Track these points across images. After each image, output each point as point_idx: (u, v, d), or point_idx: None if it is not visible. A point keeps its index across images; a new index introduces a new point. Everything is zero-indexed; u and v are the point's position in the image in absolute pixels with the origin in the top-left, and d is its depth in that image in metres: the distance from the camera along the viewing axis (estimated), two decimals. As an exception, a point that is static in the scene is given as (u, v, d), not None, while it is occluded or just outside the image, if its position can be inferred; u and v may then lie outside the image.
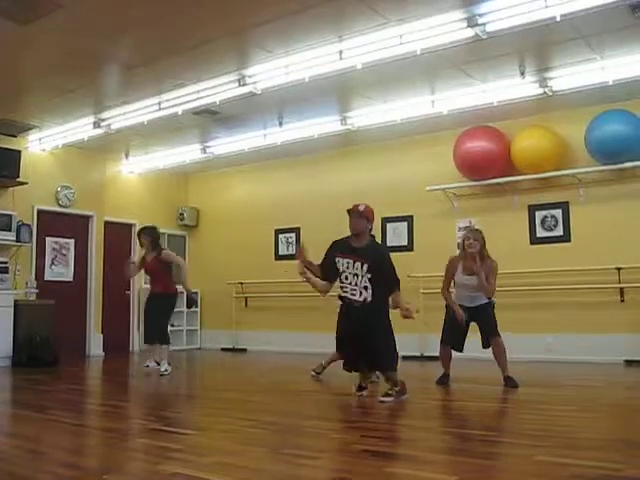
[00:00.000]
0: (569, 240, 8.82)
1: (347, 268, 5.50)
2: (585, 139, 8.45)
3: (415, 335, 9.50)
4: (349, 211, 5.64)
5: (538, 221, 9.09)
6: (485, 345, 6.56)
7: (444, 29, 6.28)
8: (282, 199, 11.48)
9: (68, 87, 7.97)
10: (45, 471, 3.28)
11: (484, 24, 6.13)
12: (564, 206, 8.89)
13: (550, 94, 7.80)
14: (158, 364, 7.71)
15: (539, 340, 8.67)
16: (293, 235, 11.38)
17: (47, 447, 4.06)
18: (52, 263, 10.58)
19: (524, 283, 8.86)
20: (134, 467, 3.47)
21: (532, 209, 9.14)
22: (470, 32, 6.24)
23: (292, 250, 11.22)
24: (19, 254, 9.85)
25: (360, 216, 5.59)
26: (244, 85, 7.62)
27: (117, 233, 11.59)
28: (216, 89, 7.88)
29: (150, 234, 7.93)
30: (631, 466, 3.19)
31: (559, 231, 8.92)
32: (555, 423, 4.47)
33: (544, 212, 9.06)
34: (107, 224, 11.31)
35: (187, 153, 11.04)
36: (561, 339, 8.55)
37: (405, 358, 9.46)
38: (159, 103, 8.43)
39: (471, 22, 6.11)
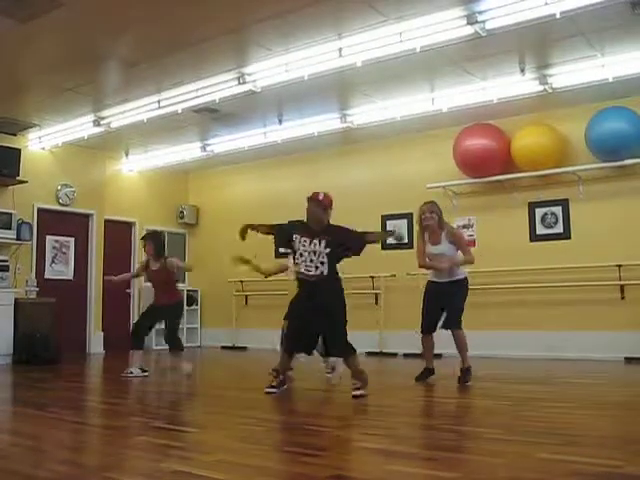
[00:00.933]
0: (569, 237, 8.82)
1: (303, 246, 5.51)
2: (585, 136, 8.46)
3: (413, 332, 9.51)
4: (308, 199, 5.62)
5: (538, 218, 9.10)
6: (444, 326, 6.48)
7: (444, 26, 6.29)
8: (282, 197, 11.46)
9: (68, 85, 7.98)
10: (45, 468, 3.28)
11: (484, 21, 6.14)
12: (564, 203, 8.89)
13: (550, 91, 7.81)
14: (143, 371, 7.29)
15: (539, 337, 8.67)
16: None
17: (47, 445, 4.05)
18: (52, 261, 10.59)
19: (524, 280, 8.87)
20: (135, 465, 3.47)
21: (532, 206, 9.14)
22: (470, 29, 6.25)
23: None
24: (19, 252, 9.86)
25: (318, 205, 5.56)
26: (244, 83, 7.63)
27: (117, 231, 11.60)
28: (216, 87, 7.89)
29: (154, 240, 7.45)
30: (631, 463, 3.19)
31: (559, 228, 8.93)
32: (555, 420, 4.47)
33: (544, 209, 9.06)
34: (107, 222, 11.32)
35: (187, 151, 11.05)
36: (561, 336, 8.55)
37: (405, 355, 9.51)
38: (159, 101, 8.44)
39: (471, 19, 6.12)
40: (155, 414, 5.14)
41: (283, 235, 5.77)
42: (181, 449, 3.67)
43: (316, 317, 5.43)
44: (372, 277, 10.15)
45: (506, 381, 6.85)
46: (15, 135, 9.91)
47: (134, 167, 11.85)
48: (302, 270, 5.51)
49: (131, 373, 7.17)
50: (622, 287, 8.27)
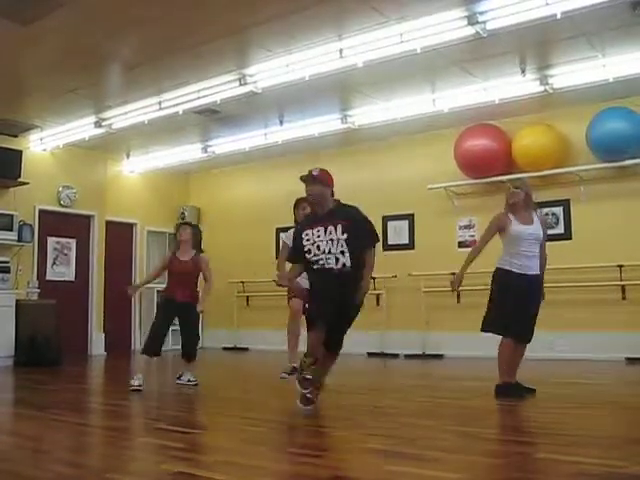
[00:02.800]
0: (570, 238, 8.81)
1: (318, 237, 4.82)
2: (586, 136, 8.45)
3: (417, 333, 9.52)
4: (302, 180, 5.05)
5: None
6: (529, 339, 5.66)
7: (444, 27, 6.29)
8: (283, 198, 11.39)
9: (69, 87, 7.99)
10: (47, 470, 3.29)
11: (484, 22, 6.14)
12: (565, 204, 8.89)
13: (551, 92, 7.80)
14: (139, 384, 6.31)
15: (541, 338, 8.65)
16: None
17: (49, 446, 4.06)
18: (54, 263, 10.60)
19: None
20: (136, 466, 3.48)
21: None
22: (471, 30, 6.25)
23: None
24: (21, 254, 9.86)
25: (314, 181, 4.96)
26: (245, 84, 7.64)
27: (118, 232, 11.61)
28: (217, 88, 7.90)
29: (194, 229, 7.07)
30: (634, 463, 3.19)
31: (560, 229, 8.92)
32: (558, 421, 4.47)
33: (545, 209, 9.05)
34: (108, 224, 11.33)
35: (188, 152, 11.05)
36: (563, 337, 8.54)
37: (407, 357, 9.51)
38: (160, 102, 8.45)
39: (471, 20, 6.12)
40: (157, 415, 5.14)
41: (297, 248, 5.02)
42: (183, 450, 3.67)
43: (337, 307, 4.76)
44: (374, 278, 10.11)
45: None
46: (16, 137, 9.91)
47: (135, 168, 11.86)
48: (323, 265, 4.82)
49: (139, 385, 6.28)
50: (623, 287, 8.26)
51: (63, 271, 10.72)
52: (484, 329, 5.66)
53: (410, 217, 10.17)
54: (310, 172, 5.06)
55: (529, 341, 5.66)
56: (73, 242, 10.89)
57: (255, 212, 11.75)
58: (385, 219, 10.20)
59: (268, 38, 6.73)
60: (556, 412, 4.80)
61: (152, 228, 12.24)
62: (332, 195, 5.07)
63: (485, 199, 9.44)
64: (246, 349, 11.52)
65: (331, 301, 4.76)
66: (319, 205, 5.00)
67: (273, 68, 7.35)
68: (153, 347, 6.48)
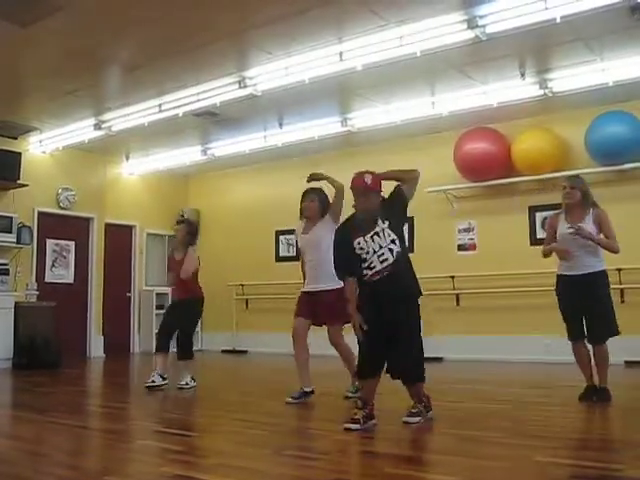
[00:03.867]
0: (569, 241, 8.81)
1: (373, 241, 4.42)
2: (585, 140, 8.46)
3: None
4: (351, 188, 4.67)
5: (538, 222, 9.09)
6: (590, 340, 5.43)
7: (444, 31, 6.30)
8: (283, 200, 11.46)
9: (68, 89, 7.99)
10: (46, 472, 3.29)
11: (484, 26, 6.15)
12: (564, 207, 8.88)
13: (550, 95, 7.82)
14: (163, 378, 6.61)
15: (538, 341, 8.67)
16: (293, 237, 11.39)
17: (48, 449, 4.06)
18: (53, 265, 10.59)
19: (524, 284, 8.86)
20: (135, 469, 3.48)
21: (532, 210, 9.14)
22: (470, 34, 6.26)
23: (292, 252, 11.23)
24: (20, 256, 9.86)
25: (366, 193, 4.57)
26: (244, 87, 7.65)
27: (118, 235, 11.61)
28: (216, 91, 7.91)
29: (189, 226, 6.97)
30: (631, 467, 3.19)
31: (559, 232, 8.92)
32: (555, 424, 4.47)
33: (544, 213, 9.04)
34: (108, 226, 11.33)
35: (188, 155, 11.06)
36: (561, 340, 8.53)
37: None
38: (160, 105, 8.45)
39: (471, 24, 6.14)
40: (156, 418, 5.14)
41: (349, 259, 4.50)
42: (182, 453, 3.67)
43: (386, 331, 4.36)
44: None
45: (506, 384, 6.85)
46: (16, 139, 9.92)
47: (135, 171, 11.86)
48: (370, 272, 4.39)
49: (153, 382, 6.54)
50: (622, 291, 8.26)
51: (62, 273, 10.72)
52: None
53: (410, 220, 10.15)
54: (358, 181, 4.62)
55: (590, 341, 5.49)
56: (72, 244, 10.89)
57: (254, 215, 11.76)
58: (384, 222, 10.19)
59: (268, 41, 6.74)
60: (553, 415, 4.81)
61: (151, 230, 12.24)
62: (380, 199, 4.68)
63: (484, 202, 9.46)
64: (245, 352, 11.51)
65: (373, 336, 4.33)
66: (369, 215, 4.53)
67: (273, 71, 7.36)
68: (158, 344, 6.76)
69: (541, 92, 7.78)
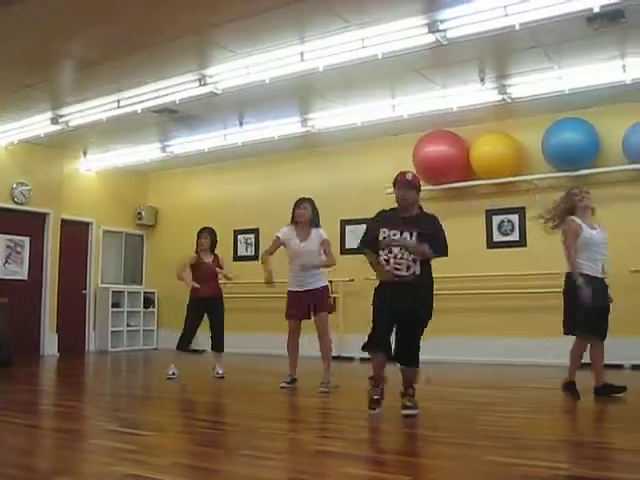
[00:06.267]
0: (525, 245, 8.96)
1: (393, 240, 4.86)
2: (542, 146, 8.60)
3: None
4: (396, 182, 5.06)
5: (495, 225, 9.22)
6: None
7: (405, 34, 6.34)
8: (242, 200, 11.45)
9: (25, 82, 7.84)
10: (-4, 472, 3.23)
11: (445, 30, 6.20)
12: (521, 211, 9.02)
13: (509, 101, 7.93)
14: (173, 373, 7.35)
15: (494, 343, 8.78)
16: (252, 236, 11.38)
17: (-2, 448, 3.99)
18: (6, 261, 10.39)
19: (481, 287, 8.97)
20: (87, 468, 3.44)
21: (489, 214, 9.26)
22: (431, 38, 6.31)
23: (251, 251, 11.23)
24: (-28, 251, 9.66)
25: (409, 186, 4.99)
26: (205, 85, 7.59)
27: (74, 231, 11.43)
28: (176, 88, 7.83)
29: (212, 235, 7.88)
30: (578, 466, 3.27)
31: (515, 236, 9.06)
32: (507, 424, 4.54)
33: (501, 217, 9.19)
34: (64, 222, 11.15)
35: (146, 152, 10.95)
36: (515, 342, 8.67)
37: (362, 360, 9.54)
38: (118, 101, 8.35)
39: (432, 28, 6.18)
40: (110, 417, 5.08)
41: (371, 240, 5.05)
42: (135, 452, 3.64)
43: (400, 320, 4.87)
44: (330, 282, 10.14)
45: (464, 385, 6.93)
46: (-31, 132, 9.72)
47: (92, 167, 11.69)
48: (388, 269, 4.87)
49: (173, 374, 7.32)
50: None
51: (16, 270, 10.52)
52: None
53: (368, 222, 10.19)
54: (402, 176, 5.06)
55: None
56: (27, 240, 10.69)
57: (213, 214, 11.67)
58: (343, 223, 10.24)
59: (229, 39, 6.70)
60: (507, 416, 4.88)
61: (108, 228, 12.08)
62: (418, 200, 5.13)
63: (443, 205, 9.51)
64: (202, 351, 11.40)
65: (390, 318, 4.87)
66: (406, 211, 5.01)
67: (234, 69, 7.32)
68: (184, 342, 7.65)
69: (500, 97, 7.88)
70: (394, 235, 4.87)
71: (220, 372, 7.46)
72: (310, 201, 6.65)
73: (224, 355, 7.77)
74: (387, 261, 4.86)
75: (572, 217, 5.73)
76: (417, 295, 4.87)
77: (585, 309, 5.39)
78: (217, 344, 7.69)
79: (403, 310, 4.79)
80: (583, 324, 5.45)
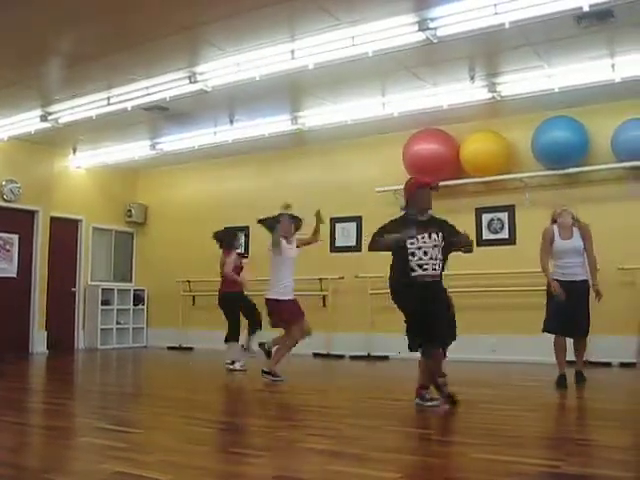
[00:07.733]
0: (514, 243, 8.99)
1: (424, 243, 5.07)
2: (531, 144, 8.63)
3: (362, 335, 9.58)
4: (418, 186, 5.36)
5: (485, 223, 9.24)
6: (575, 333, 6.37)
7: (396, 32, 6.35)
8: (232, 197, 11.44)
9: (14, 79, 7.81)
10: (-17, 470, 3.22)
11: (435, 28, 6.21)
12: (510, 209, 9.05)
13: (498, 99, 7.95)
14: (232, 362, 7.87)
15: (484, 341, 8.80)
16: (242, 233, 11.36)
17: (-14, 446, 3.97)
18: (-5, 258, 10.35)
19: (470, 285, 8.99)
20: (76, 466, 3.43)
21: (479, 212, 9.28)
22: (421, 36, 6.32)
23: (241, 249, 11.22)
24: (-40, 248, 9.62)
25: (430, 191, 5.35)
26: (195, 82, 7.59)
27: (63, 229, 11.39)
28: (167, 85, 7.83)
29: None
30: (569, 463, 3.28)
31: (505, 234, 9.09)
32: (496, 422, 4.55)
33: (490, 215, 9.21)
34: (53, 219, 11.11)
35: (136, 149, 10.92)
36: (505, 340, 8.70)
37: (352, 358, 9.57)
38: (108, 98, 8.33)
39: (422, 26, 6.19)
40: (99, 415, 5.07)
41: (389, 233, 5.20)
42: (123, 450, 3.63)
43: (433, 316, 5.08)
44: (320, 279, 10.18)
45: (452, 384, 6.93)
46: (-42, 128, 9.67)
47: (82, 164, 11.65)
48: (422, 273, 5.06)
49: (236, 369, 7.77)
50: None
51: (5, 267, 10.48)
52: None
53: (358, 219, 10.22)
54: (430, 181, 5.43)
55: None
56: (16, 237, 10.65)
57: (203, 211, 11.67)
58: (333, 221, 10.23)
59: (220, 36, 6.69)
60: (497, 413, 4.89)
61: (98, 225, 12.05)
62: None
63: (433, 203, 9.52)
64: (191, 348, 11.43)
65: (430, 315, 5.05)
66: (424, 213, 5.30)
67: (224, 67, 7.31)
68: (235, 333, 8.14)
69: (490, 95, 7.90)
70: (423, 238, 5.08)
71: (232, 363, 7.83)
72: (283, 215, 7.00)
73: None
74: (421, 265, 5.06)
75: (549, 226, 6.54)
76: (444, 291, 5.27)
77: (548, 307, 6.42)
78: (257, 320, 8.06)
79: (437, 306, 5.11)
80: (544, 321, 6.42)
